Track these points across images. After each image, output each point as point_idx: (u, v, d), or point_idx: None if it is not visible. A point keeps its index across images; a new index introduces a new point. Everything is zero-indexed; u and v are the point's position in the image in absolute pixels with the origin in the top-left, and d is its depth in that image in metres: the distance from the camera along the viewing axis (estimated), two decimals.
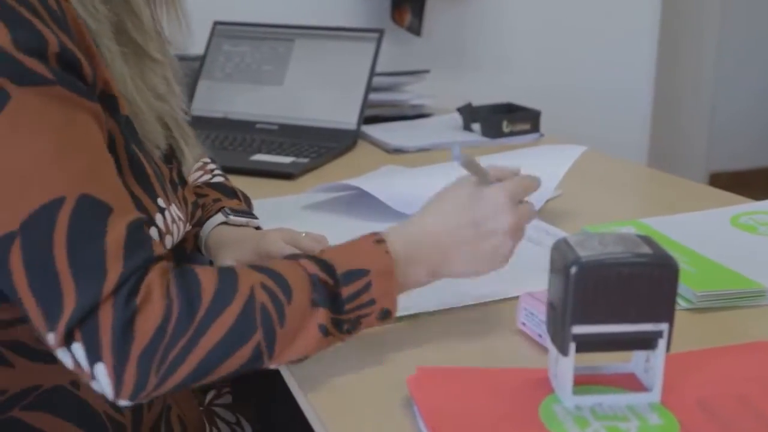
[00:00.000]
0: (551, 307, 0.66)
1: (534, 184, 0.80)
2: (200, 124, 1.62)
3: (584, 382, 0.68)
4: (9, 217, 0.61)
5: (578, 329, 0.63)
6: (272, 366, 0.68)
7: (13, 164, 0.61)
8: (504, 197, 0.76)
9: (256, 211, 1.10)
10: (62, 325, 0.60)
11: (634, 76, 2.53)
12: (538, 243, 1.02)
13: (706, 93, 3.38)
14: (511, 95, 1.87)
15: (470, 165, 0.76)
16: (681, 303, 0.85)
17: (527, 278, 0.90)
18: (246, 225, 0.98)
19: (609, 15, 2.45)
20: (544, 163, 1.11)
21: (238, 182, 1.31)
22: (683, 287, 0.86)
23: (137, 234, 0.64)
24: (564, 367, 0.65)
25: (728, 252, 0.95)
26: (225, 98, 1.65)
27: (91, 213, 0.62)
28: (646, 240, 0.65)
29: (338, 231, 1.07)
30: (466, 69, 2.34)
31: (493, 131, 1.58)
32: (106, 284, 0.61)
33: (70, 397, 0.76)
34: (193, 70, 1.71)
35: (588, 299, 0.62)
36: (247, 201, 1.07)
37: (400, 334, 0.80)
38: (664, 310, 0.64)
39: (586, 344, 0.64)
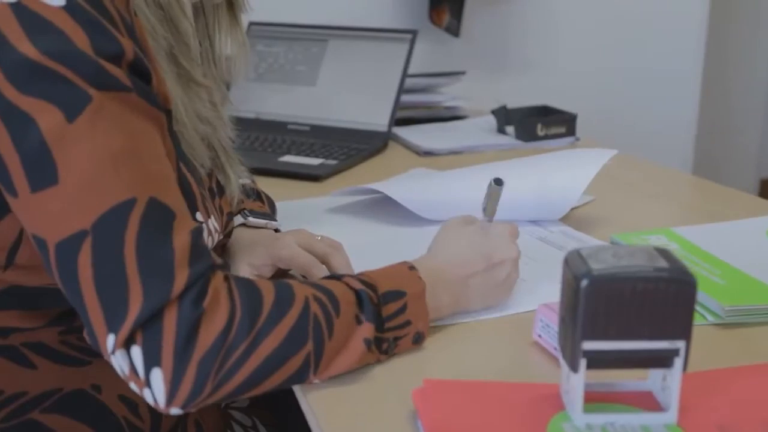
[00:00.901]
0: (562, 321, 0.63)
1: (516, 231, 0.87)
2: (232, 124, 1.62)
3: (598, 399, 0.65)
4: (81, 216, 0.62)
5: (589, 345, 0.61)
6: (315, 381, 0.69)
7: (88, 164, 0.62)
8: (508, 232, 0.84)
9: (281, 213, 1.09)
10: (126, 326, 0.60)
11: (679, 78, 2.46)
12: (562, 248, 0.99)
13: (759, 93, 3.27)
14: (551, 98, 1.83)
15: (494, 197, 0.84)
16: (708, 317, 0.82)
17: (548, 289, 0.87)
18: (264, 227, 0.97)
19: (654, 14, 2.39)
20: (571, 168, 1.08)
21: (266, 183, 1.31)
22: (711, 301, 0.82)
23: (200, 240, 0.65)
24: (575, 383, 0.62)
25: (763, 265, 0.91)
26: (257, 98, 1.65)
27: (160, 217, 0.63)
28: (664, 253, 0.62)
29: (361, 234, 1.07)
30: (506, 70, 2.31)
31: (527, 134, 1.55)
32: (174, 288, 0.61)
33: (90, 400, 0.76)
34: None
35: (599, 314, 0.60)
36: (271, 203, 1.06)
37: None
38: (681, 328, 0.61)
39: (598, 361, 0.61)
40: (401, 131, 1.61)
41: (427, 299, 0.76)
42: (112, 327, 0.61)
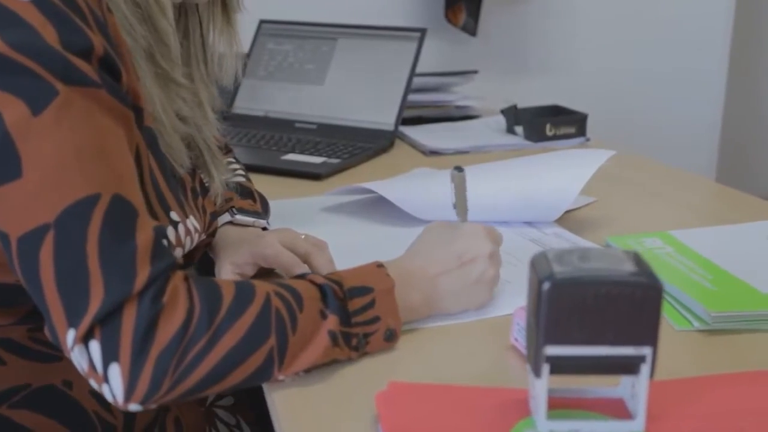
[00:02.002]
0: (528, 325, 0.62)
1: (500, 239, 0.86)
2: (241, 122, 1.63)
3: (566, 405, 0.64)
4: (45, 210, 0.62)
5: (552, 350, 0.59)
6: (280, 377, 0.68)
7: (52, 158, 0.62)
8: (481, 229, 0.82)
9: (275, 211, 1.09)
10: (86, 321, 0.60)
11: (703, 77, 2.41)
12: None
13: None
14: (570, 98, 1.81)
15: (459, 188, 0.82)
16: (694, 323, 0.79)
17: None
18: (252, 225, 0.97)
19: (677, 12, 2.35)
20: (567, 169, 1.06)
21: (267, 181, 1.31)
22: (698, 306, 0.80)
23: (162, 239, 0.66)
24: (538, 389, 0.61)
25: (760, 271, 0.89)
26: (267, 97, 1.65)
27: (123, 214, 0.64)
28: (633, 257, 0.60)
29: (355, 234, 1.06)
30: (524, 70, 2.28)
31: (535, 134, 1.53)
32: (135, 284, 0.61)
33: (60, 396, 0.76)
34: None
35: (562, 319, 0.58)
36: (263, 202, 1.06)
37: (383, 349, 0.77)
38: (647, 334, 0.59)
39: (562, 366, 0.60)
40: (409, 130, 1.60)
41: (397, 297, 0.74)
42: (72, 322, 0.61)
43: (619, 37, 2.31)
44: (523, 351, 0.73)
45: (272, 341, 0.66)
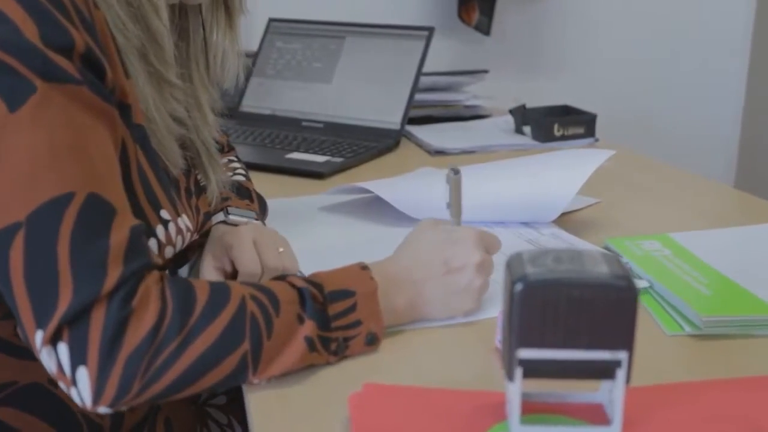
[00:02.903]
0: (503, 328, 0.61)
1: (497, 244, 0.82)
2: (248, 120, 1.63)
3: (544, 410, 0.62)
4: (17, 207, 0.61)
5: (525, 353, 0.58)
6: (255, 381, 0.67)
7: (26, 155, 0.61)
8: (473, 236, 0.79)
9: (275, 210, 1.08)
10: (53, 323, 0.60)
11: (722, 78, 2.37)
12: None
13: None
14: (583, 99, 1.78)
15: (454, 189, 0.79)
16: (686, 327, 0.78)
17: None
18: (245, 224, 0.96)
19: (696, 11, 2.31)
20: (565, 169, 1.04)
21: (270, 180, 1.31)
22: (689, 310, 0.78)
23: (138, 239, 0.65)
24: (512, 393, 0.60)
25: (759, 274, 0.86)
26: (274, 95, 1.64)
27: (99, 213, 0.63)
28: (609, 259, 0.59)
29: (351, 233, 1.05)
30: (538, 70, 2.26)
31: (543, 135, 1.51)
32: (105, 285, 0.60)
33: (46, 395, 0.76)
34: (247, 66, 1.71)
35: (534, 321, 0.57)
36: (261, 202, 1.05)
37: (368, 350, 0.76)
38: (622, 338, 0.57)
39: (535, 370, 0.58)
40: (416, 130, 1.59)
41: (380, 300, 0.73)
42: (40, 323, 0.60)
43: (635, 37, 2.28)
44: None
45: (246, 346, 0.65)
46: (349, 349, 0.72)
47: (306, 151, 1.42)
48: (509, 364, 0.58)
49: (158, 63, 0.78)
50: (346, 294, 0.71)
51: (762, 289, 0.82)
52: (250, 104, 1.66)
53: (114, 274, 0.61)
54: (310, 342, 0.68)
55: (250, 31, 1.83)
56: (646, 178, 1.34)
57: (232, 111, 1.67)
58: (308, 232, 1.04)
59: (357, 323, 0.71)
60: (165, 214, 0.76)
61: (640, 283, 0.86)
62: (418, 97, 1.70)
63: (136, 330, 0.60)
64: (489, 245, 0.81)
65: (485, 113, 1.75)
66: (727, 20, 2.33)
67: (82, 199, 0.62)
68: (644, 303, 0.83)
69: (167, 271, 0.69)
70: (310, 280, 0.71)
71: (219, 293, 0.66)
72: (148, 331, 0.61)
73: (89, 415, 0.78)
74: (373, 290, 0.73)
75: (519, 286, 0.56)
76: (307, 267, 0.93)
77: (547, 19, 2.23)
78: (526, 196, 1.03)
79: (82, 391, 0.61)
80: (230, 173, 1.07)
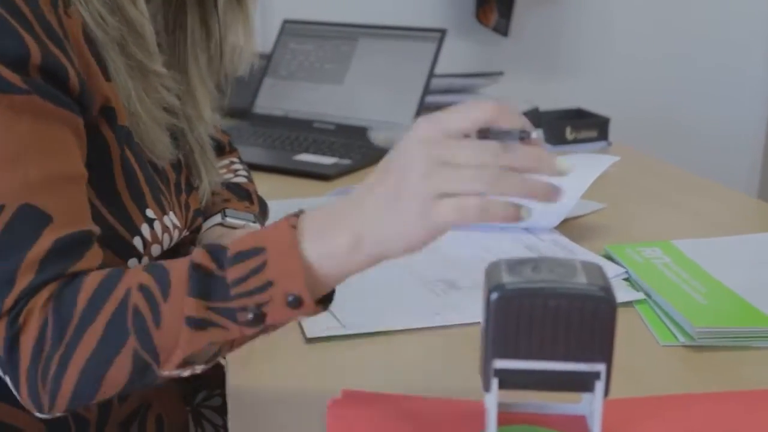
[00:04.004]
0: (481, 337, 0.60)
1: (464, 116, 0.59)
2: (261, 121, 1.63)
3: (524, 420, 0.62)
4: None
5: (500, 363, 0.57)
6: (165, 374, 0.62)
7: None
8: (415, 136, 0.58)
9: (277, 211, 1.08)
10: None
11: (745, 78, 2.32)
12: None
13: None
14: (602, 101, 1.77)
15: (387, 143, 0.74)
16: (679, 338, 0.76)
17: None
18: (242, 228, 0.96)
19: (717, 11, 2.27)
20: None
21: (277, 181, 1.31)
22: (684, 321, 0.77)
23: (64, 249, 0.63)
24: (488, 403, 0.59)
25: (760, 284, 0.85)
26: (287, 96, 1.64)
27: (26, 223, 0.62)
28: (590, 269, 0.58)
29: None
30: (557, 72, 2.24)
31: (555, 138, 1.49)
32: (7, 301, 0.61)
33: None
34: (261, 68, 1.72)
35: (510, 331, 0.56)
36: (262, 204, 1.05)
37: (356, 352, 0.76)
38: (600, 349, 0.56)
39: (511, 381, 0.57)
40: None
41: (310, 250, 0.59)
42: None
43: (654, 38, 2.25)
44: None
45: (132, 342, 0.61)
46: (268, 316, 0.60)
47: (315, 153, 1.42)
48: (485, 374, 0.58)
49: (140, 53, 0.76)
50: (254, 252, 0.60)
51: (762, 300, 0.80)
52: (263, 105, 1.66)
53: (17, 290, 0.61)
54: (194, 322, 0.60)
55: (266, 33, 1.83)
56: (656, 183, 1.32)
57: (244, 112, 1.68)
58: None
59: (266, 285, 0.59)
60: (150, 213, 0.76)
61: (635, 295, 0.84)
62: (433, 99, 1.69)
63: (24, 345, 0.61)
64: (443, 144, 0.57)
65: None
66: (749, 20, 2.29)
67: (12, 210, 0.62)
68: (640, 312, 0.82)
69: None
70: (212, 247, 0.62)
71: (102, 289, 0.62)
72: (33, 346, 0.61)
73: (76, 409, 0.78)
74: (288, 242, 0.59)
75: (495, 295, 0.56)
76: None
77: (565, 20, 2.20)
78: (527, 202, 1.01)
79: (23, 399, 0.62)
80: (231, 174, 1.07)
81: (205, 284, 0.60)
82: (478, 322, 0.75)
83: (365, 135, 1.51)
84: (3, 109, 0.62)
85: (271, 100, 1.66)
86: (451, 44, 1.99)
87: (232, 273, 0.60)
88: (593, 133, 1.50)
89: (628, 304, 0.84)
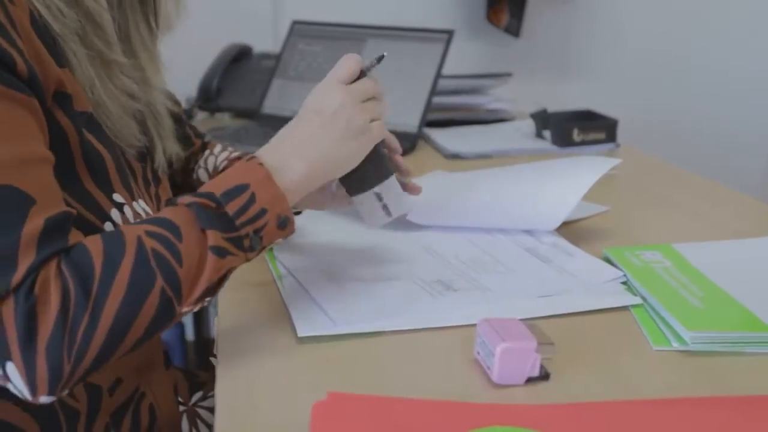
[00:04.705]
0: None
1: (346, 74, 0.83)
2: (269, 122, 1.63)
3: (509, 423, 0.61)
4: None
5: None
6: (184, 310, 0.67)
7: None
8: (330, 81, 0.82)
9: None
10: None
11: (759, 80, 2.30)
12: (547, 260, 0.94)
13: None
14: (615, 103, 1.76)
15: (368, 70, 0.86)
16: (673, 343, 0.75)
17: (513, 303, 0.83)
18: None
19: (731, 12, 2.25)
20: (568, 176, 1.02)
21: None
22: (678, 325, 0.76)
23: (56, 227, 0.64)
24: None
25: (759, 289, 0.84)
26: (295, 97, 1.65)
27: (10, 204, 0.63)
28: None
29: (351, 234, 1.04)
30: (570, 73, 2.23)
31: (562, 139, 1.49)
32: (12, 280, 0.61)
33: None
34: (270, 68, 1.72)
35: None
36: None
37: (347, 352, 0.75)
38: None
39: None
40: (435, 133, 1.57)
41: (279, 180, 0.73)
42: None
43: (667, 40, 2.23)
44: (485, 365, 0.71)
45: (160, 282, 0.65)
46: (263, 239, 0.71)
47: None
48: None
49: (100, 43, 0.77)
50: (240, 189, 0.70)
51: (760, 305, 0.79)
52: (271, 106, 1.66)
53: (23, 266, 0.61)
54: (217, 250, 0.68)
55: (278, 34, 1.84)
56: (662, 186, 1.31)
57: (253, 112, 1.68)
58: (308, 232, 1.04)
59: (262, 212, 0.71)
60: (118, 197, 0.76)
61: (632, 300, 0.84)
62: (441, 100, 1.69)
63: (45, 316, 0.61)
64: (356, 89, 0.81)
65: (508, 117, 1.73)
66: (762, 21, 2.26)
67: None
68: (636, 316, 0.81)
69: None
70: (199, 193, 0.70)
71: (113, 244, 0.65)
72: (57, 314, 0.61)
73: (64, 400, 0.78)
74: (265, 175, 0.72)
75: None
76: (308, 265, 0.93)
77: (577, 21, 2.19)
78: (527, 204, 1.01)
79: (17, 385, 0.62)
80: (226, 154, 1.07)
81: (215, 219, 0.68)
82: (473, 324, 0.76)
83: None
84: None
85: (279, 101, 1.66)
86: (462, 45, 1.99)
87: (231, 207, 0.69)
88: (601, 135, 1.49)
89: (624, 308, 0.83)
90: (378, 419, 0.62)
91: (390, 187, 0.86)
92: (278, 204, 0.72)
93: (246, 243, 0.70)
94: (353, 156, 0.80)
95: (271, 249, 0.98)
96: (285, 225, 0.72)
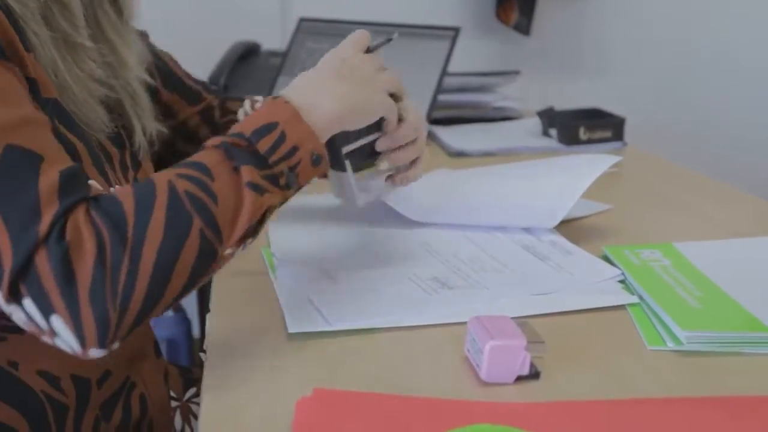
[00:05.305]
0: None
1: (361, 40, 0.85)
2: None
3: (501, 420, 0.60)
4: None
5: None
6: (228, 252, 0.66)
7: None
8: (346, 44, 0.84)
9: (288, 210, 1.07)
10: (5, 281, 0.59)
11: None
12: (544, 258, 0.92)
13: None
14: (627, 102, 1.74)
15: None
16: (668, 343, 0.74)
17: (508, 302, 0.82)
18: None
19: (749, 13, 2.22)
20: (567, 174, 1.01)
21: None
22: (674, 324, 0.75)
23: (72, 179, 0.64)
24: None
25: (758, 288, 0.82)
26: None
27: (20, 162, 0.62)
28: None
29: (351, 232, 1.04)
30: (579, 71, 2.21)
31: (568, 138, 1.47)
32: (40, 230, 0.60)
33: (6, 377, 0.76)
34: (277, 66, 1.72)
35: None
36: None
37: (337, 349, 0.75)
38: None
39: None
40: (440, 131, 1.57)
41: (307, 117, 0.72)
42: None
43: (679, 39, 2.20)
44: (474, 363, 0.70)
45: (198, 223, 0.64)
46: (299, 176, 0.71)
47: None
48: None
49: (67, 26, 0.76)
50: (270, 127, 0.69)
51: (760, 306, 0.78)
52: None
53: (48, 217, 0.60)
54: (254, 186, 0.67)
55: (287, 31, 1.83)
56: (667, 185, 1.29)
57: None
58: (310, 230, 1.04)
59: (294, 149, 0.70)
60: (94, 183, 0.73)
61: (628, 298, 0.82)
62: (448, 97, 1.68)
63: (82, 262, 0.60)
64: (373, 56, 0.86)
65: (515, 115, 1.72)
66: None
67: None
68: (632, 315, 0.80)
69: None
70: (228, 134, 0.70)
71: (143, 190, 0.64)
72: (95, 259, 0.60)
73: (52, 395, 0.78)
74: (294, 113, 0.71)
75: None
76: (302, 259, 0.93)
77: (589, 18, 2.17)
78: (526, 202, 1.00)
79: (66, 339, 0.60)
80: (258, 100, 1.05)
81: (247, 156, 0.67)
82: (464, 322, 0.75)
83: None
84: None
85: None
86: (471, 43, 1.98)
87: (262, 145, 0.68)
88: (608, 134, 1.48)
89: (620, 307, 0.82)
90: (362, 416, 0.62)
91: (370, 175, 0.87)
92: (309, 141, 0.71)
93: (282, 180, 0.69)
94: (374, 108, 0.80)
95: (268, 245, 0.97)
96: (319, 162, 0.72)
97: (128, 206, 0.63)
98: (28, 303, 0.60)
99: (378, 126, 0.83)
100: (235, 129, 0.70)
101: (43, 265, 0.59)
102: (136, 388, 0.86)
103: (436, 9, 2.06)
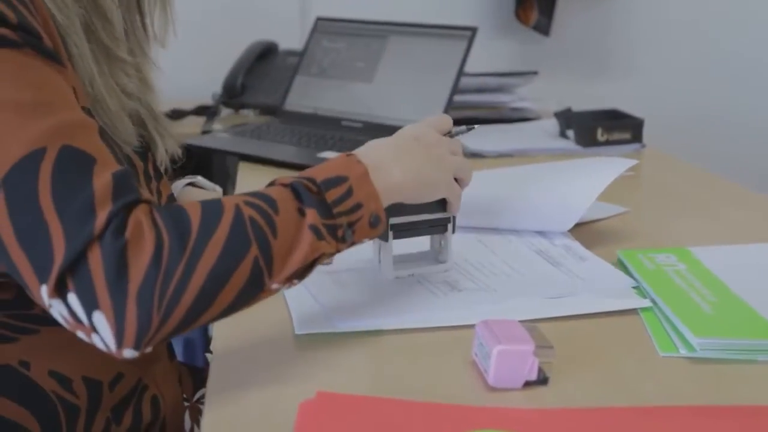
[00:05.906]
0: None
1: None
2: (291, 119, 1.63)
3: (492, 425, 0.59)
4: None
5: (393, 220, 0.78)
6: (274, 286, 0.67)
7: None
8: (425, 123, 0.85)
9: None
10: (54, 274, 0.60)
11: None
12: (556, 264, 0.91)
13: None
14: (652, 103, 1.72)
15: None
16: (681, 349, 0.73)
17: (516, 305, 0.81)
18: (213, 190, 0.99)
19: (762, 18, 2.18)
20: (582, 178, 1.00)
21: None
22: (686, 330, 0.73)
23: (124, 181, 0.64)
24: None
25: None
26: (317, 94, 1.64)
27: (76, 162, 0.63)
28: None
29: None
30: (599, 72, 2.19)
31: (586, 139, 1.46)
32: (96, 225, 0.60)
33: (17, 377, 0.76)
34: (294, 65, 1.72)
35: None
36: None
37: (343, 351, 0.74)
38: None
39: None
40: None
41: (375, 180, 0.73)
42: (42, 278, 0.60)
43: (701, 40, 2.17)
44: (482, 367, 0.69)
45: (254, 250, 0.64)
46: (355, 234, 0.71)
47: (340, 151, 1.41)
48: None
49: (108, 39, 0.78)
50: (340, 180, 0.70)
51: None
52: (293, 102, 1.66)
53: (102, 214, 0.61)
54: (315, 230, 0.67)
55: (305, 31, 1.83)
56: (685, 188, 1.28)
57: (275, 109, 1.68)
58: None
59: (357, 206, 0.71)
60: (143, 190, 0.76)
61: (641, 303, 0.81)
62: (465, 98, 1.67)
63: (137, 261, 0.60)
64: (450, 140, 0.86)
65: (533, 116, 1.70)
66: None
67: (56, 152, 0.63)
68: (644, 320, 0.79)
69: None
70: (300, 176, 0.71)
71: (211, 207, 0.65)
72: (151, 259, 0.60)
73: (64, 396, 0.78)
74: (364, 172, 0.72)
75: None
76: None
77: (609, 19, 2.15)
78: (540, 205, 0.99)
79: (104, 336, 0.61)
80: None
81: (318, 201, 0.69)
82: (472, 325, 0.74)
83: (392, 133, 1.49)
84: (12, 59, 0.64)
85: (301, 98, 1.66)
86: (490, 43, 1.97)
87: (330, 195, 0.69)
88: (626, 135, 1.46)
89: (633, 311, 0.80)
90: (365, 420, 0.61)
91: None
92: (372, 202, 0.72)
93: (339, 233, 0.70)
94: (439, 187, 0.81)
95: None
96: (377, 224, 0.73)
97: (195, 218, 0.64)
98: (72, 298, 0.60)
99: (429, 207, 0.82)
100: (307, 173, 0.71)
101: (96, 261, 0.60)
102: (148, 390, 0.86)
103: (455, 9, 2.05)
